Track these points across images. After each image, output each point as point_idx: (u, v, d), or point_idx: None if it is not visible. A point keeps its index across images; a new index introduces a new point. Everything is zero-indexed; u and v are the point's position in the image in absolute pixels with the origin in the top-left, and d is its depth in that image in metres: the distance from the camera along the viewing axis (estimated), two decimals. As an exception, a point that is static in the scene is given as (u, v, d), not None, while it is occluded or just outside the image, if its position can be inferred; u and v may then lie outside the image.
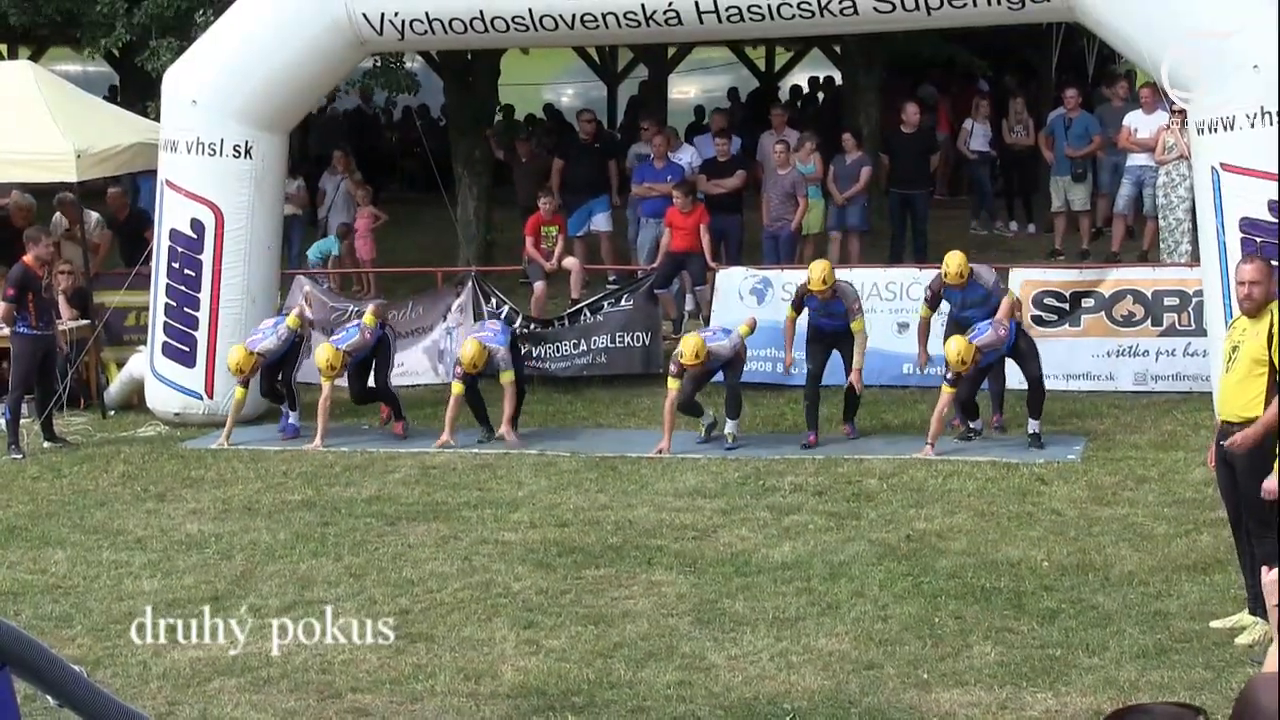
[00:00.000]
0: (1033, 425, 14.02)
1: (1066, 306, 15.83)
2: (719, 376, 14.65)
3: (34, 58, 27.60)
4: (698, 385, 14.54)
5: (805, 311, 14.61)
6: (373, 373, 15.43)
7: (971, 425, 14.33)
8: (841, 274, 16.59)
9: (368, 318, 15.47)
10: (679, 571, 10.93)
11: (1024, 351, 14.17)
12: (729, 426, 14.49)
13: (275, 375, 15.43)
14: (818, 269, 14.45)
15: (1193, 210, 16.25)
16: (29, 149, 16.31)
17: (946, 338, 14.14)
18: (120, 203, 19.30)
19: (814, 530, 11.78)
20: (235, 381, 15.10)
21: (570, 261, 18.69)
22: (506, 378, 14.69)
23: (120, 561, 11.60)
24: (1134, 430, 14.41)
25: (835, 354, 14.64)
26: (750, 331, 14.91)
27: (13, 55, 28.79)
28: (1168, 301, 15.59)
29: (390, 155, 29.79)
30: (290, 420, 15.44)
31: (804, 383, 14.75)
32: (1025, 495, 12.53)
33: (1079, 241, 20.75)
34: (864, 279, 16.34)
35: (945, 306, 14.68)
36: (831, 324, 14.52)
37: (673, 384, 14.28)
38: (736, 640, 9.61)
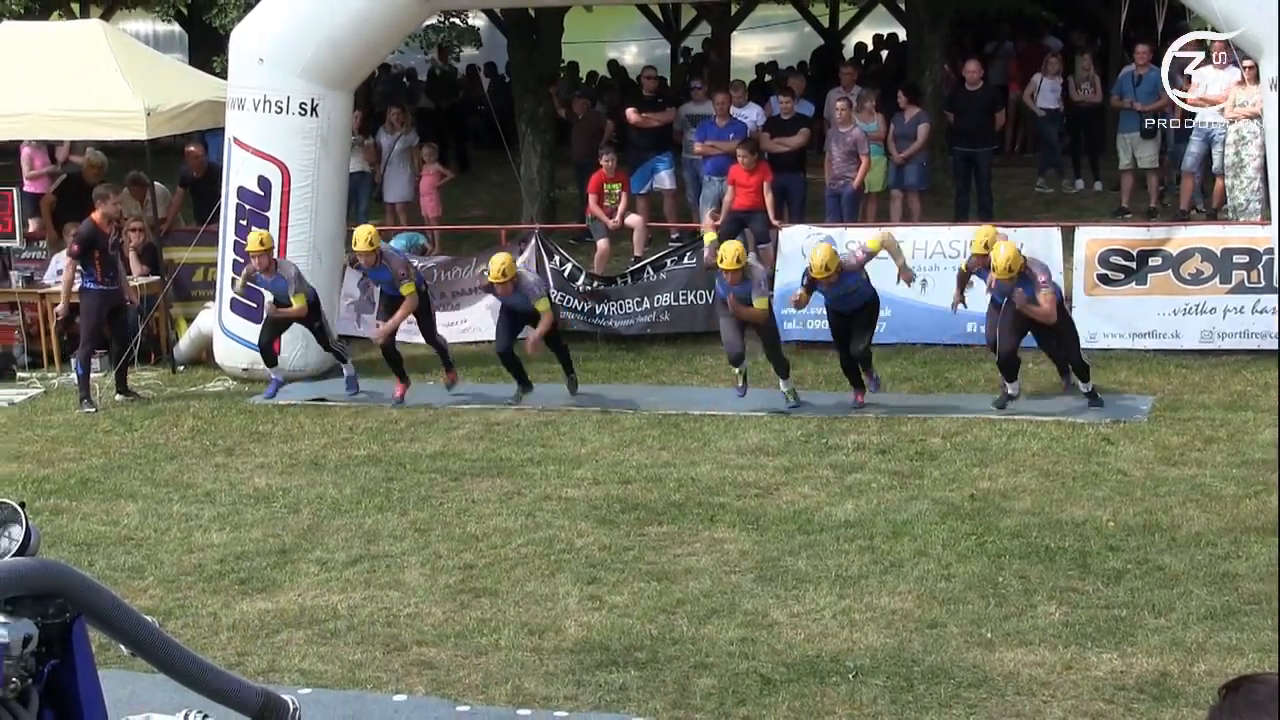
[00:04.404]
0: (1084, 386, 13.88)
1: (1133, 265, 15.66)
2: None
3: (104, 17, 27.72)
4: (740, 329, 14.17)
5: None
6: (420, 330, 15.34)
7: (1009, 389, 13.90)
8: (904, 232, 16.55)
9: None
10: (741, 529, 10.93)
11: (1063, 331, 13.87)
12: (783, 386, 14.34)
13: (312, 324, 15.31)
14: (819, 255, 13.90)
15: (1264, 167, 16.09)
16: (100, 106, 16.41)
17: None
18: (198, 160, 19.41)
19: (877, 489, 11.75)
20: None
21: (633, 219, 18.67)
22: (542, 305, 14.39)
23: (190, 514, 11.71)
24: (1202, 390, 14.28)
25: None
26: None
27: (84, 14, 28.93)
28: (1237, 259, 15.39)
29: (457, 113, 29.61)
30: (348, 373, 15.47)
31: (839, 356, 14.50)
32: (1091, 455, 12.45)
33: (1147, 200, 20.55)
34: (928, 237, 16.25)
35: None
36: (845, 306, 14.14)
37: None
38: (799, 597, 9.61)
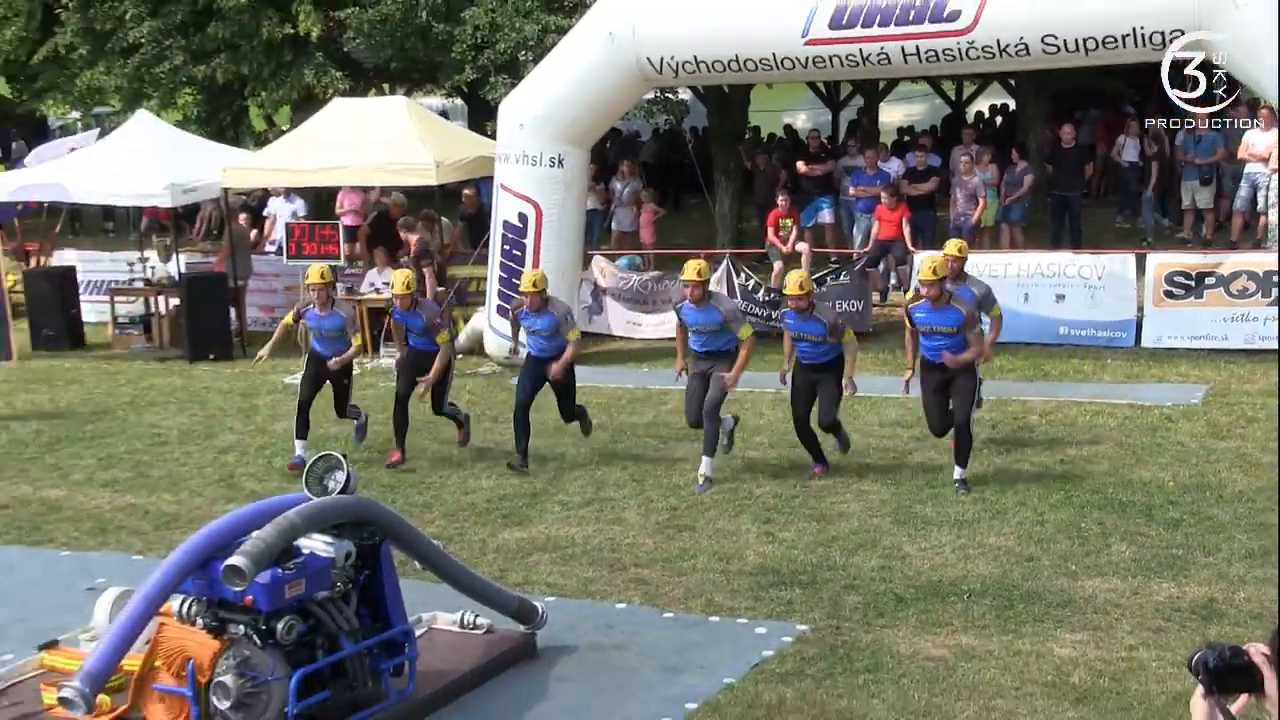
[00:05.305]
0: (958, 472, 10.48)
1: (1192, 283, 15.21)
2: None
3: (406, 94, 28.30)
4: (703, 388, 10.89)
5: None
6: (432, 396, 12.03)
7: (958, 476, 10.39)
8: (1008, 257, 16.19)
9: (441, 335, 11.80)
10: (882, 483, 10.85)
11: (961, 387, 10.39)
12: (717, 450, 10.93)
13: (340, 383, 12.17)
14: (794, 276, 10.60)
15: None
16: (402, 160, 16.79)
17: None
18: (472, 200, 19.77)
19: (988, 453, 11.55)
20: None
21: (802, 246, 18.63)
22: (573, 334, 11.46)
23: (466, 464, 11.91)
24: (1246, 381, 13.80)
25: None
26: (749, 334, 10.98)
27: (391, 92, 29.56)
28: (1277, 279, 14.87)
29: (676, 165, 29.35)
30: (359, 423, 12.44)
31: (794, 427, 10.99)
32: (1156, 430, 12.13)
33: (1205, 233, 19.95)
34: (1028, 261, 15.96)
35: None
36: (811, 351, 10.82)
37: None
38: (926, 536, 9.53)
